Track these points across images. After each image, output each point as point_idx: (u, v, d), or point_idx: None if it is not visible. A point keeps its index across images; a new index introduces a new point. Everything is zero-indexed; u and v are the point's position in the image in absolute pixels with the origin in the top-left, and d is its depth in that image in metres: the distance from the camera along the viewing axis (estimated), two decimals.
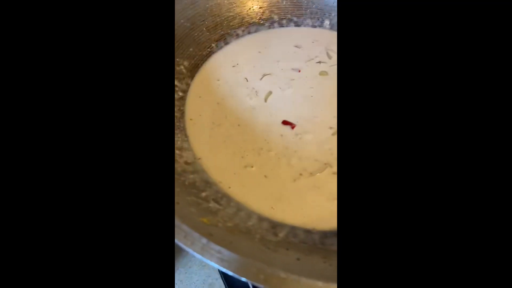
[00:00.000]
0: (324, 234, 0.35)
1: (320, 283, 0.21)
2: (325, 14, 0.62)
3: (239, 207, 0.38)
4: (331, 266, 0.27)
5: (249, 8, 0.59)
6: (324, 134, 0.45)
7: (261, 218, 0.36)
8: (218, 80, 0.52)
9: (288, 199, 0.38)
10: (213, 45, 0.56)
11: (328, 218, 0.37)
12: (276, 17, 0.61)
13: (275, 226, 0.35)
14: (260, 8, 0.60)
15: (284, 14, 0.61)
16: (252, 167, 0.41)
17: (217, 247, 0.26)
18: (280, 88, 0.50)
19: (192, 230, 0.27)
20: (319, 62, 0.55)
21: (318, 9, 0.62)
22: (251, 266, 0.24)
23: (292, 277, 0.21)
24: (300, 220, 0.36)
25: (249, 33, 0.60)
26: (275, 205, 0.37)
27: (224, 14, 0.57)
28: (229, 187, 0.39)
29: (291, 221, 0.36)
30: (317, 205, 0.38)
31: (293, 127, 0.45)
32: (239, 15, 0.59)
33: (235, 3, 0.58)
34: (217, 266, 0.25)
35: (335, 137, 0.45)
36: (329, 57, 0.56)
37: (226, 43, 0.58)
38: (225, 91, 0.50)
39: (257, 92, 0.50)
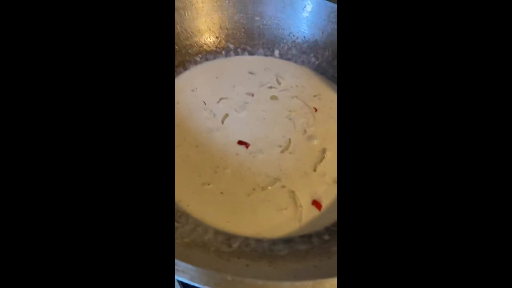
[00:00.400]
0: (273, 242, 0.39)
1: (260, 282, 0.25)
2: (275, 45, 0.70)
3: (197, 223, 0.41)
4: (275, 269, 0.32)
5: (207, 38, 0.65)
6: (274, 152, 0.50)
7: (217, 232, 0.39)
8: (178, 103, 0.55)
9: (242, 213, 0.42)
10: None
11: (277, 227, 0.42)
12: (231, 46, 0.67)
13: (229, 238, 0.38)
14: (216, 37, 0.66)
15: (239, 43, 0.68)
16: (209, 184, 0.44)
17: (175, 261, 0.29)
18: (236, 110, 0.55)
19: None
20: (270, 87, 0.62)
21: (269, 40, 0.69)
22: (204, 274, 0.27)
23: (237, 279, 0.25)
24: (252, 231, 0.40)
25: (207, 59, 0.65)
26: (230, 219, 0.41)
27: (182, 43, 0.62)
28: (188, 205, 0.42)
29: (245, 232, 0.40)
30: (267, 216, 0.42)
31: (247, 146, 0.50)
32: (197, 44, 0.64)
33: (193, 33, 0.63)
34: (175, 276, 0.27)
35: (283, 154, 0.50)
36: (279, 83, 0.63)
37: (185, 69, 0.62)
38: (184, 114, 0.54)
39: (214, 114, 0.54)
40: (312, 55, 0.69)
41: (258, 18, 0.68)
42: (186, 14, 0.61)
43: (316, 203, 0.45)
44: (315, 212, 0.44)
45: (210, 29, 0.65)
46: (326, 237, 0.40)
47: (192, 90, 0.58)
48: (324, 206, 0.45)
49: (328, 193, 0.47)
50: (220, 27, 0.66)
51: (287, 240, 0.40)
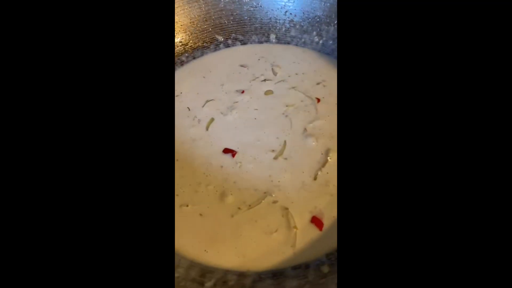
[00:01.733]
0: (259, 276, 0.32)
1: None
2: (270, 28, 0.60)
3: None
4: None
5: (189, 34, 0.58)
6: (266, 159, 0.42)
7: (192, 265, 0.33)
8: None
9: (223, 238, 0.36)
10: None
11: (265, 255, 0.34)
12: (220, 38, 0.59)
13: (204, 273, 0.32)
14: (201, 32, 0.59)
15: (228, 34, 0.60)
16: (187, 206, 0.39)
17: None
18: (222, 113, 0.48)
19: None
20: (264, 80, 0.53)
21: (262, 23, 0.60)
22: None
23: None
24: (234, 262, 0.34)
25: (194, 58, 0.58)
26: (209, 247, 0.35)
27: None
28: None
29: (225, 263, 0.34)
30: (254, 242, 0.35)
31: (234, 155, 0.43)
32: (180, 42, 0.58)
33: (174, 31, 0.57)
34: None
35: (276, 161, 0.42)
36: (274, 73, 0.54)
37: None
38: None
39: (199, 120, 0.48)
40: (314, 33, 0.58)
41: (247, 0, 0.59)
42: None
43: (316, 221, 0.36)
44: (314, 232, 0.36)
45: (193, 23, 0.58)
46: (325, 268, 0.32)
47: (177, 96, 0.52)
48: (327, 224, 0.36)
49: (332, 207, 0.37)
50: (205, 19, 0.59)
51: (277, 273, 0.33)
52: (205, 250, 0.35)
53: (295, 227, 0.36)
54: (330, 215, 0.37)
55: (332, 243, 0.34)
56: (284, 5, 0.59)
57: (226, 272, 0.33)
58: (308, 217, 0.37)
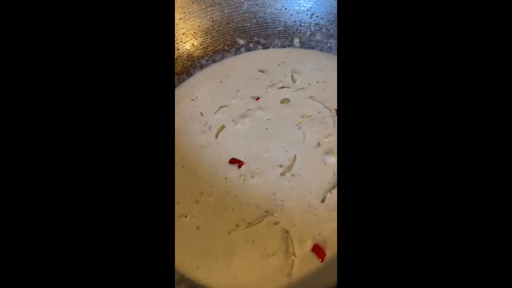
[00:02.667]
0: None
1: None
2: (294, 32, 0.57)
3: None
4: None
5: (211, 37, 0.57)
6: (272, 175, 0.40)
7: (181, 280, 0.32)
8: (174, 116, 0.50)
9: (216, 256, 0.34)
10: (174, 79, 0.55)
11: (257, 281, 0.32)
12: (242, 42, 0.58)
13: None
14: (223, 35, 0.57)
15: (250, 37, 0.58)
16: (186, 217, 0.38)
17: None
18: (234, 121, 0.47)
19: None
20: (282, 87, 0.50)
21: (286, 27, 0.57)
22: None
23: None
24: (224, 284, 0.32)
25: (214, 61, 0.58)
26: (201, 264, 0.34)
27: (184, 46, 0.56)
28: None
29: (214, 284, 0.32)
30: (248, 264, 0.33)
31: (240, 166, 0.41)
32: (201, 45, 0.57)
33: (195, 33, 0.57)
34: None
35: (283, 177, 0.39)
36: (294, 80, 0.51)
37: (190, 75, 0.56)
38: (178, 128, 0.48)
39: (210, 127, 0.47)
40: (337, 40, 0.53)
41: (271, 2, 0.56)
42: (185, 13, 0.55)
43: (318, 250, 0.33)
44: (315, 262, 0.32)
45: (214, 26, 0.57)
46: None
47: (192, 100, 0.52)
48: (329, 255, 0.33)
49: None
50: (227, 22, 0.57)
51: None
52: (196, 267, 0.33)
53: (293, 254, 0.33)
54: (334, 245, 0.33)
55: (332, 277, 0.31)
56: (311, 7, 0.55)
57: None
58: (309, 244, 0.33)
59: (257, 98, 0.49)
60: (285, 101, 0.48)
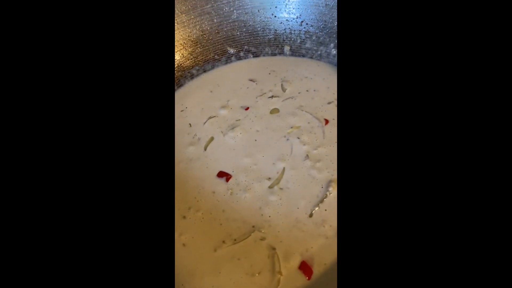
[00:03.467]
0: None
1: None
2: (284, 40, 0.56)
3: None
4: None
5: (201, 47, 0.57)
6: (260, 188, 0.39)
7: None
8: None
9: (202, 274, 0.33)
10: None
11: None
12: (232, 50, 0.57)
13: None
14: (212, 44, 0.57)
15: (240, 46, 0.57)
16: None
17: None
18: (223, 132, 0.46)
19: None
20: (272, 96, 0.49)
21: (276, 35, 0.56)
22: None
23: None
24: None
25: (204, 71, 0.57)
26: (187, 282, 0.33)
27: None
28: None
29: None
30: (232, 282, 0.32)
31: (228, 179, 0.41)
32: (191, 55, 0.57)
33: (185, 43, 0.56)
34: None
35: (271, 191, 0.38)
36: (284, 89, 0.50)
37: (180, 86, 0.56)
38: None
39: (199, 138, 0.47)
40: (332, 45, 0.53)
41: (260, 10, 0.56)
42: (175, 23, 0.55)
43: (305, 267, 0.32)
44: (301, 280, 0.32)
45: (204, 36, 0.57)
46: None
47: (182, 111, 0.51)
48: (317, 272, 0.32)
49: (326, 252, 0.33)
50: (216, 31, 0.57)
51: None
52: (182, 284, 0.33)
53: (279, 272, 0.32)
54: (321, 262, 0.32)
55: None
56: (300, 15, 0.54)
57: None
58: (297, 261, 0.33)
59: (247, 108, 0.48)
60: (274, 111, 0.48)
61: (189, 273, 0.34)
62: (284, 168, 0.40)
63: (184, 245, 0.36)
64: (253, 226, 0.36)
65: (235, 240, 0.35)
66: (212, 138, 0.46)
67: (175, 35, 0.55)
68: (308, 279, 0.31)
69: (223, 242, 0.35)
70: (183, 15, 0.55)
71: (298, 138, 0.43)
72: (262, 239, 0.35)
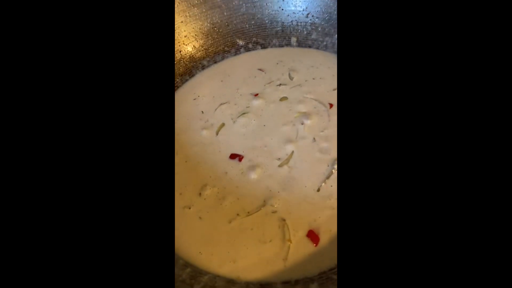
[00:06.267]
0: (246, 286, 0.32)
1: None
2: (291, 32, 0.59)
3: None
4: None
5: (212, 39, 0.60)
6: (270, 167, 0.42)
7: (186, 264, 0.35)
8: (177, 115, 0.53)
9: (218, 242, 0.36)
10: (177, 79, 0.58)
11: (256, 265, 0.34)
12: (241, 42, 0.60)
13: (195, 276, 0.33)
14: (222, 36, 0.60)
15: (249, 38, 0.60)
16: (189, 208, 0.40)
17: None
18: (233, 118, 0.49)
19: None
20: (279, 84, 0.52)
21: (283, 27, 0.59)
22: None
23: None
24: (225, 268, 0.34)
25: (215, 62, 0.60)
26: (204, 250, 0.36)
27: (185, 49, 0.59)
28: None
29: (216, 268, 0.34)
30: (247, 249, 0.35)
31: (240, 159, 0.43)
32: (202, 47, 0.60)
33: (197, 35, 0.59)
34: None
35: (281, 170, 0.41)
36: (291, 78, 0.53)
37: (192, 76, 0.59)
38: (180, 126, 0.51)
39: (211, 124, 0.49)
40: (336, 36, 0.55)
41: (268, 4, 0.59)
42: (186, 16, 0.58)
43: (312, 235, 0.35)
44: (309, 247, 0.34)
45: (214, 28, 0.60)
46: (314, 287, 0.30)
47: (194, 99, 0.54)
48: (323, 240, 0.35)
49: (331, 222, 0.35)
50: (226, 24, 0.60)
51: (265, 285, 0.32)
52: (199, 252, 0.36)
53: (289, 240, 0.35)
54: (327, 229, 0.35)
55: (326, 261, 0.33)
56: (306, 7, 0.57)
57: (216, 277, 0.33)
58: (305, 230, 0.35)
59: (256, 94, 0.51)
60: (282, 98, 0.51)
61: (205, 241, 0.37)
62: (293, 151, 0.43)
63: (200, 218, 0.39)
64: (265, 201, 0.39)
65: (248, 212, 0.38)
66: (223, 124, 0.49)
67: (187, 28, 0.58)
68: (316, 245, 0.34)
69: (237, 215, 0.38)
70: (195, 8, 0.58)
71: (305, 122, 0.45)
72: (274, 212, 0.37)
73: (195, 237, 0.37)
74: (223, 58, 0.60)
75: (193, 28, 0.58)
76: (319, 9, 0.56)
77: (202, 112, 0.52)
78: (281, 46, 0.59)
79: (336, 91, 0.49)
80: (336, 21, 0.55)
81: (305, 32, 0.58)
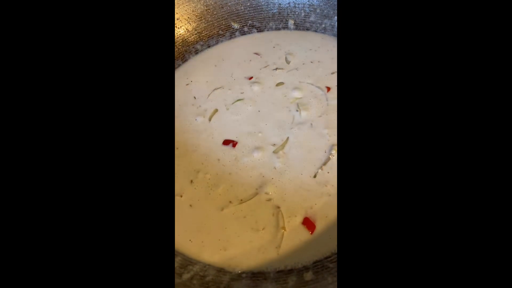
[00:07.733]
0: (237, 275, 0.31)
1: None
2: (288, 14, 0.56)
3: None
4: None
5: (205, 22, 0.57)
6: (265, 153, 0.40)
7: (176, 254, 0.33)
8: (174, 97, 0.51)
9: (208, 230, 0.35)
10: None
11: (248, 253, 0.32)
12: (236, 25, 0.58)
13: (185, 265, 0.32)
14: (216, 19, 0.57)
15: (244, 21, 0.58)
16: (181, 196, 0.38)
17: None
18: (227, 104, 0.47)
19: None
20: (276, 69, 0.50)
21: (280, 9, 0.56)
22: None
23: None
24: (216, 256, 0.33)
25: (209, 46, 0.58)
26: (194, 237, 0.35)
27: (177, 32, 0.56)
28: None
29: (206, 257, 0.33)
30: (239, 237, 0.33)
31: (234, 145, 0.42)
32: (195, 30, 0.57)
33: (189, 18, 0.57)
34: None
35: (276, 156, 0.39)
36: (287, 62, 0.51)
37: (185, 60, 0.57)
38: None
39: (205, 110, 0.48)
40: (336, 18, 0.53)
41: None
42: None
43: (308, 223, 0.33)
44: (304, 235, 0.33)
45: (208, 11, 0.57)
46: (308, 276, 0.29)
47: (187, 84, 0.52)
48: (319, 227, 0.33)
49: (328, 209, 0.34)
50: (221, 6, 0.57)
51: (257, 274, 0.31)
52: (189, 240, 0.34)
53: (283, 227, 0.33)
54: (324, 216, 0.33)
55: (322, 249, 0.31)
56: None
57: (205, 266, 0.32)
58: (300, 218, 0.34)
59: (250, 78, 0.49)
60: (278, 83, 0.48)
61: (196, 229, 0.35)
62: (288, 137, 0.41)
63: (191, 205, 0.37)
64: (259, 188, 0.37)
65: (241, 200, 0.36)
66: (216, 110, 0.47)
67: (179, 10, 0.55)
68: (311, 233, 0.33)
69: (230, 202, 0.36)
70: None
71: (302, 106, 0.43)
72: (268, 200, 0.36)
73: (185, 225, 0.36)
74: (217, 42, 0.58)
75: (186, 10, 0.56)
76: None
77: (195, 97, 0.49)
78: (278, 29, 0.57)
79: (334, 74, 0.46)
80: (335, 2, 0.52)
81: (303, 14, 0.55)
